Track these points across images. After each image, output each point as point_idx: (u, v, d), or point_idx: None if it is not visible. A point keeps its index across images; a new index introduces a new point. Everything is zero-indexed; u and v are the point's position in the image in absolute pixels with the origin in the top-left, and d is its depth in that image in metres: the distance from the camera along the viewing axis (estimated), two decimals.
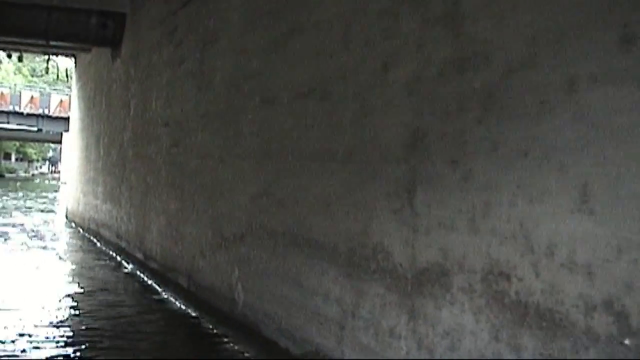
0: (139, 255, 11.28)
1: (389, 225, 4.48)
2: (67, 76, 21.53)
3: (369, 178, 4.74)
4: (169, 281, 9.48)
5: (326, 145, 5.26)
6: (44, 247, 14.90)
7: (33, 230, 18.19)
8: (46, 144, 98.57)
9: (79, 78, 20.10)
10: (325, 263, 5.19)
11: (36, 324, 7.62)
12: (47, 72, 21.54)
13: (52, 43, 14.81)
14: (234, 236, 7.10)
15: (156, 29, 10.99)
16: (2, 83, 54.50)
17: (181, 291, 8.88)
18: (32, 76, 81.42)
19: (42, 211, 26.13)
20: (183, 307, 8.71)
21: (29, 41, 15.34)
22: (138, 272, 11.23)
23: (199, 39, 8.65)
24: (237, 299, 6.89)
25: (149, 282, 10.46)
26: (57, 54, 21.06)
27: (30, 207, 27.66)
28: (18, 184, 58.30)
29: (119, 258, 12.80)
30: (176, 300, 9.03)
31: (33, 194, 39.35)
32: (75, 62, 21.01)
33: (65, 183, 60.93)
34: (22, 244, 15.19)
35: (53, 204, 32.14)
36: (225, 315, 7.21)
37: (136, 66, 12.38)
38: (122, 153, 13.09)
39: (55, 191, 46.15)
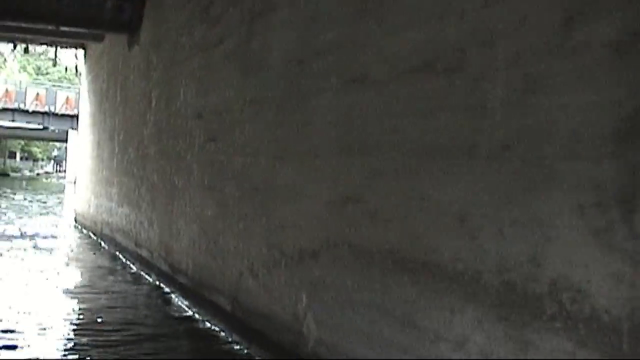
0: (164, 267, 9.84)
1: (584, 252, 3.03)
2: (76, 70, 19.91)
3: (539, 181, 3.28)
4: (204, 301, 8.03)
5: (459, 136, 3.80)
6: (52, 254, 13.47)
7: (40, 235, 16.78)
8: (51, 143, 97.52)
9: (89, 71, 18.66)
10: (459, 299, 3.74)
11: (45, 347, 6.21)
12: (54, 65, 19.94)
13: (63, 29, 13.35)
14: (300, 253, 5.64)
15: (184, 8, 9.54)
16: (7, 80, 53.06)
17: (221, 315, 7.43)
18: (37, 74, 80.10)
19: (48, 213, 24.70)
20: (223, 334, 7.27)
21: (38, 26, 13.88)
22: (163, 287, 9.80)
23: (244, 13, 7.19)
24: (307, 334, 5.42)
25: (177, 299, 9.02)
26: (65, 46, 19.59)
27: (36, 209, 26.22)
28: (23, 183, 56.98)
29: (138, 268, 11.38)
30: (214, 324, 7.58)
31: (38, 195, 37.95)
32: (85, 54, 19.56)
33: (71, 182, 59.85)
34: (28, 250, 13.79)
35: (60, 206, 30.75)
36: (288, 352, 5.75)
37: (158, 52, 10.94)
38: (141, 150, 11.65)
39: (61, 192, 44.76)
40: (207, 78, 8.40)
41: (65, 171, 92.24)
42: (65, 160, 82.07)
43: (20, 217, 21.49)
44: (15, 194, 36.52)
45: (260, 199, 6.55)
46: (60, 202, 33.42)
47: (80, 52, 20.14)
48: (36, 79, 69.15)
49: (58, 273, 11.18)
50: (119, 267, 11.83)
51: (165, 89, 10.41)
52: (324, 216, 5.30)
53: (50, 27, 13.36)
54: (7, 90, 46.34)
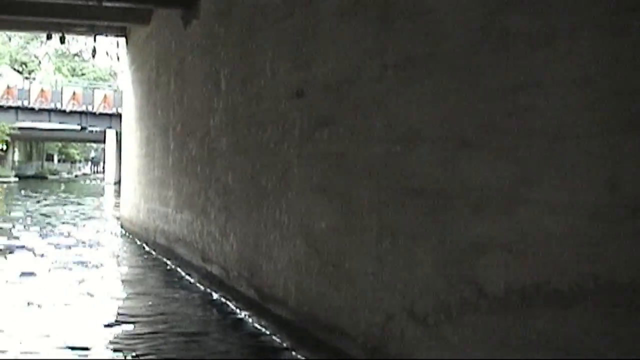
0: (248, 292, 7.70)
1: None
2: (117, 57, 17.88)
3: None
4: (318, 345, 5.86)
5: None
6: (100, 269, 11.44)
7: (83, 244, 14.83)
8: (88, 144, 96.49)
9: (133, 60, 16.61)
10: None
11: None
12: (93, 56, 17.92)
13: (106, 4, 11.29)
14: (522, 293, 3.44)
15: None
16: (42, 81, 51.50)
17: None
18: (73, 75, 78.84)
19: (90, 218, 22.74)
20: None
21: (78, 2, 11.84)
22: (247, 318, 7.66)
23: None
24: None
25: (274, 338, 6.86)
26: (105, 33, 17.56)
27: (77, 214, 24.33)
28: (62, 186, 55.51)
29: (207, 290, 9.29)
30: None
31: (78, 198, 36.19)
32: (127, 42, 17.53)
33: (110, 184, 58.35)
34: (72, 265, 11.78)
35: (101, 209, 28.91)
36: None
37: (228, 23, 8.82)
38: (207, 145, 9.55)
39: (101, 194, 43.08)
40: (311, 42, 6.23)
41: (103, 172, 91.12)
42: (104, 161, 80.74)
43: (62, 224, 19.55)
44: (54, 197, 34.74)
45: (428, 205, 4.35)
46: (100, 206, 31.60)
47: (122, 40, 18.12)
48: (71, 81, 67.66)
49: (110, 296, 9.12)
50: (182, 288, 9.73)
51: (240, 66, 8.29)
52: (587, 235, 3.08)
53: (91, 3, 11.29)
54: (42, 90, 44.55)
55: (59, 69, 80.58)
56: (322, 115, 5.93)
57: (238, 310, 7.98)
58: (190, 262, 10.38)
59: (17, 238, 15.62)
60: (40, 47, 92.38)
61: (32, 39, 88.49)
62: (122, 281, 10.60)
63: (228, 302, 8.43)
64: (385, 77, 4.92)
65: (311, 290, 6.04)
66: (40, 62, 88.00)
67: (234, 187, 8.37)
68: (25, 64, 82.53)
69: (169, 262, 11.76)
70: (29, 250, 13.45)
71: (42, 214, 23.54)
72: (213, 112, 9.28)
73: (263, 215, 7.27)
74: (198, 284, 9.78)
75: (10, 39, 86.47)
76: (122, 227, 17.78)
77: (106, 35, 17.91)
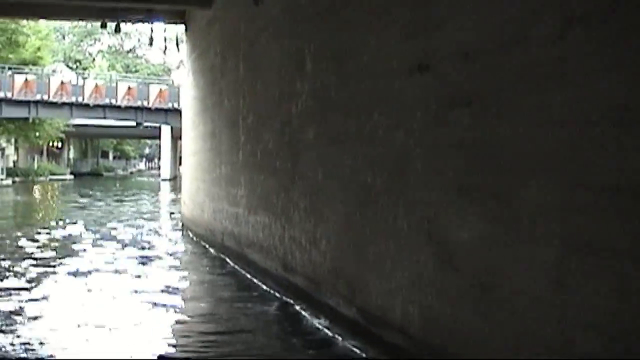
0: (348, 312, 6.40)
1: None
2: (177, 45, 16.72)
3: None
4: None
5: None
6: (165, 276, 10.27)
7: (146, 246, 13.71)
8: (143, 141, 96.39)
9: (194, 47, 15.43)
10: None
11: None
12: (150, 44, 16.81)
13: None
14: None
15: None
16: (96, 76, 50.97)
17: None
18: (126, 72, 78.61)
19: (149, 218, 21.68)
20: None
21: None
22: (349, 345, 6.33)
23: None
24: None
25: None
26: (162, 19, 16.41)
27: (134, 213, 23.34)
28: (117, 183, 55.03)
29: (290, 303, 8.02)
30: None
31: (134, 195, 35.35)
32: (187, 29, 16.36)
33: (166, 180, 57.69)
34: (134, 269, 10.74)
35: (159, 208, 27.95)
36: None
37: None
38: (289, 136, 8.28)
39: (156, 190, 42.29)
40: (438, 0, 4.89)
41: (157, 168, 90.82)
42: (158, 157, 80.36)
43: (121, 224, 18.52)
44: (110, 195, 33.93)
45: None
46: (158, 203, 30.67)
47: (181, 28, 16.96)
48: (125, 77, 67.24)
49: (175, 310, 7.92)
50: (261, 301, 8.47)
51: (331, 41, 6.99)
52: None
53: None
54: (96, 85, 43.79)
55: (112, 66, 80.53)
56: (459, 92, 4.57)
57: (336, 335, 6.65)
58: (268, 270, 9.13)
59: (74, 242, 14.57)
60: (94, 44, 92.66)
61: (86, 36, 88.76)
62: (191, 292, 9.43)
63: (319, 321, 7.12)
64: (567, 36, 3.55)
65: (445, 318, 4.70)
66: (94, 59, 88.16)
67: (326, 185, 7.06)
68: (79, 61, 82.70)
69: (240, 269, 10.54)
70: (86, 253, 12.39)
71: (99, 214, 22.60)
72: (295, 97, 7.98)
73: (369, 220, 5.95)
74: (277, 295, 8.52)
75: (64, 37, 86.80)
76: (183, 227, 16.65)
77: (164, 22, 16.75)
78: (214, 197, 12.74)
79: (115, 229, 17.22)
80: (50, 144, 62.29)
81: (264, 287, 9.15)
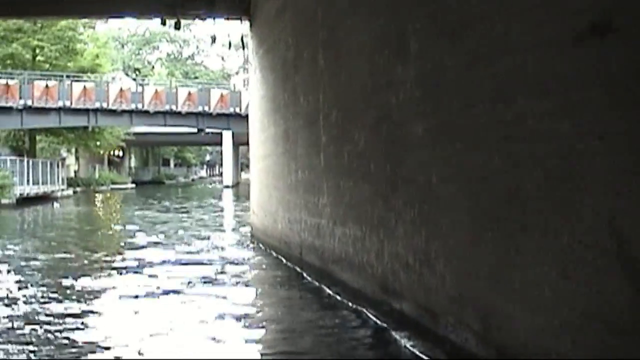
0: (483, 352, 5.01)
1: None
2: (242, 44, 15.53)
3: None
4: None
5: None
6: (236, 292, 9.09)
7: (213, 261, 12.60)
8: (203, 148, 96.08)
9: (260, 43, 14.21)
10: None
11: None
12: (213, 42, 15.71)
13: None
14: None
15: None
16: (156, 82, 50.30)
17: None
18: (186, 79, 78.33)
19: (214, 228, 20.56)
20: None
21: None
22: None
23: None
24: None
25: None
26: (225, 15, 15.26)
27: (199, 222, 22.27)
28: (179, 190, 54.39)
29: (390, 332, 6.70)
30: None
31: (197, 203, 34.39)
32: (251, 23, 15.17)
33: (228, 187, 56.88)
34: (200, 289, 9.59)
35: (223, 216, 26.88)
36: None
37: None
38: (386, 133, 6.97)
39: (219, 198, 41.35)
40: None
41: (219, 175, 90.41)
42: (220, 164, 79.84)
43: (186, 234, 17.41)
44: (173, 204, 32.99)
45: None
46: (222, 211, 29.60)
47: (245, 24, 15.77)
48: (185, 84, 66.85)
49: (253, 332, 6.65)
50: (352, 327, 7.15)
51: (443, 12, 5.62)
52: None
53: None
54: (156, 91, 42.89)
55: (171, 73, 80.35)
56: None
57: None
58: (359, 291, 7.81)
59: (137, 254, 13.47)
60: (153, 52, 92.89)
61: (144, 44, 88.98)
62: (269, 312, 8.21)
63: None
64: None
65: None
66: (153, 67, 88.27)
67: (442, 191, 5.70)
68: (138, 70, 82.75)
69: (324, 287, 9.23)
70: (149, 269, 11.24)
71: (162, 224, 21.56)
72: (395, 86, 6.64)
73: (513, 236, 4.57)
74: (372, 320, 7.20)
75: (122, 46, 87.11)
76: (253, 237, 15.44)
77: (227, 18, 15.57)
78: (289, 206, 11.47)
79: (180, 239, 16.11)
80: (111, 152, 62.10)
81: (354, 309, 7.83)
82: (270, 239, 13.21)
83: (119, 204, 37.01)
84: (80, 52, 43.81)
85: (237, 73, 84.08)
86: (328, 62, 9.11)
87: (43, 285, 9.92)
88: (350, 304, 8.14)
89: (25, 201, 31.17)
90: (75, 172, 56.33)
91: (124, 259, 12.97)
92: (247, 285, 10.26)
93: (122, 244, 15.67)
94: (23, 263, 12.41)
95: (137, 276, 10.81)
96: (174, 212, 27.19)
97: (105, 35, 52.88)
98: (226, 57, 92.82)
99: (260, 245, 14.19)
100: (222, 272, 11.52)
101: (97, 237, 17.72)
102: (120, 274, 11.14)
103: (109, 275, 11.01)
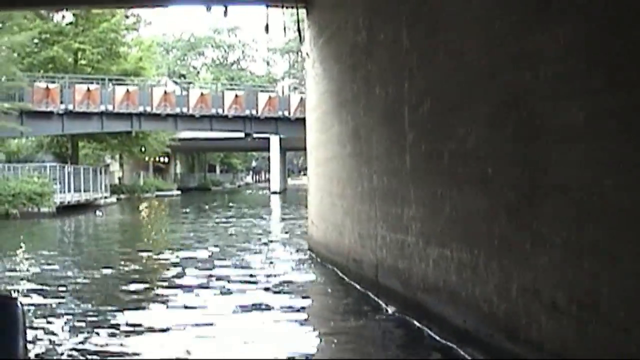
0: None
1: None
2: (299, 35, 13.77)
3: None
4: None
5: None
6: (298, 327, 7.36)
7: (269, 283, 10.90)
8: (249, 153, 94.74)
9: (321, 31, 12.45)
10: None
11: None
12: (267, 31, 13.93)
13: None
14: None
15: None
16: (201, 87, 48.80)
17: None
18: (231, 84, 77.13)
19: (266, 238, 18.86)
20: None
21: None
22: None
23: None
24: None
25: None
26: (278, 2, 13.54)
27: (248, 233, 20.58)
28: (225, 197, 52.87)
29: None
30: None
31: (244, 211, 32.75)
32: (308, 10, 13.42)
33: (276, 193, 55.18)
34: (255, 319, 7.87)
35: (273, 225, 25.12)
36: None
37: None
38: (513, 125, 5.13)
39: (266, 205, 39.67)
40: None
41: (265, 181, 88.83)
42: (268, 170, 78.32)
43: (233, 245, 15.75)
44: (219, 212, 31.32)
45: None
46: (272, 220, 27.88)
47: (301, 12, 14.00)
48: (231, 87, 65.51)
49: None
50: None
51: None
52: None
53: None
54: (202, 95, 41.12)
55: (217, 79, 79.15)
56: None
57: None
58: (469, 332, 5.97)
59: (184, 273, 11.86)
60: (198, 58, 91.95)
61: (189, 50, 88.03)
62: (341, 348, 6.45)
63: None
64: None
65: None
66: (198, 73, 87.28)
67: (625, 202, 3.84)
68: (183, 75, 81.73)
69: (411, 320, 7.42)
70: (197, 297, 9.54)
71: (210, 234, 19.89)
72: (532, 59, 4.80)
73: None
74: None
75: (167, 52, 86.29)
76: (311, 251, 13.67)
77: (280, 5, 13.82)
78: (360, 218, 9.67)
79: (233, 255, 14.43)
80: (156, 159, 60.91)
81: (458, 353, 6.01)
82: (334, 255, 11.43)
83: (164, 212, 35.41)
84: (123, 56, 42.42)
85: (282, 78, 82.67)
86: (417, 41, 7.31)
87: (84, 317, 8.24)
88: (452, 345, 6.32)
89: (65, 209, 29.72)
90: (119, 178, 55.06)
91: (170, 283, 11.29)
92: (309, 314, 8.55)
93: (168, 261, 14.01)
94: (61, 284, 10.79)
95: (184, 303, 9.18)
96: (222, 221, 25.54)
97: (150, 39, 51.48)
98: (272, 62, 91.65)
99: (321, 261, 12.43)
100: (277, 293, 9.84)
101: (139, 252, 16.12)
102: (166, 303, 9.45)
103: (155, 300, 9.39)
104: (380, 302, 8.54)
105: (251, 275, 11.53)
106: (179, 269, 12.39)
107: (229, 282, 10.83)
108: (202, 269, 12.38)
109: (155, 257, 14.62)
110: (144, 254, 14.92)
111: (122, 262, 13.34)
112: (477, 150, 5.82)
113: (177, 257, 14.26)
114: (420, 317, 7.22)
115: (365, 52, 9.26)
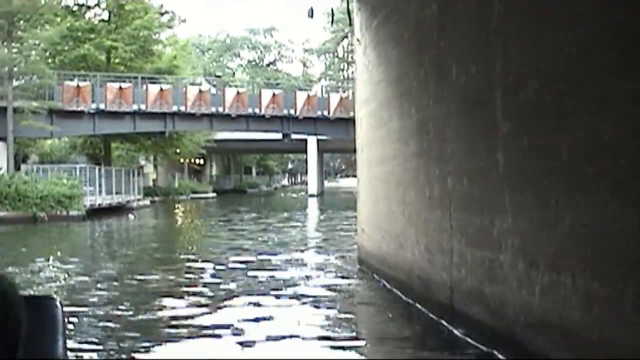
0: None
1: None
2: (348, 14, 12.21)
3: None
4: None
5: None
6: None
7: (314, 297, 9.34)
8: (285, 155, 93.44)
9: (375, 10, 10.90)
10: None
11: None
12: (311, 16, 12.36)
13: None
14: None
15: None
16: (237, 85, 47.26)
17: None
18: (267, 85, 75.92)
19: (306, 246, 17.31)
20: None
21: None
22: None
23: None
24: None
25: None
26: None
27: (287, 237, 19.04)
28: (262, 200, 51.46)
29: None
30: None
31: (282, 214, 31.24)
32: None
33: (313, 196, 53.60)
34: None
35: (313, 230, 23.54)
36: None
37: None
38: None
39: (305, 209, 38.12)
40: None
41: (301, 184, 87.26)
42: (302, 172, 76.94)
43: (273, 252, 14.26)
44: (256, 216, 29.75)
45: None
46: (311, 225, 26.26)
47: None
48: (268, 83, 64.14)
49: None
50: None
51: None
52: None
53: None
54: (238, 94, 39.35)
55: (253, 80, 77.99)
56: None
57: None
58: None
59: (224, 287, 10.42)
60: (233, 59, 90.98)
61: (225, 51, 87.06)
62: None
63: None
64: None
65: None
66: (234, 74, 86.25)
67: None
68: (218, 76, 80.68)
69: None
70: (239, 322, 8.02)
71: (248, 240, 18.35)
72: None
73: None
74: None
75: (203, 53, 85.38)
76: (361, 263, 12.10)
77: None
78: (428, 228, 8.08)
79: (274, 264, 12.93)
80: (192, 160, 59.70)
81: None
82: (391, 270, 9.85)
83: (199, 215, 33.79)
84: (157, 54, 40.97)
85: (319, 80, 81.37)
86: (516, 3, 5.70)
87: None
88: None
89: (96, 212, 28.34)
90: (153, 180, 53.83)
91: (208, 305, 9.78)
92: (368, 347, 6.98)
93: (204, 272, 12.52)
94: (90, 302, 9.39)
95: (213, 322, 7.66)
96: (260, 225, 24.03)
97: (185, 39, 50.17)
98: (309, 63, 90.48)
99: (373, 275, 10.86)
100: (326, 313, 8.34)
101: (174, 260, 14.68)
102: (207, 331, 7.94)
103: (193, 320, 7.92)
104: (457, 333, 6.96)
105: (295, 289, 10.05)
106: (214, 282, 10.95)
107: (269, 291, 9.39)
108: (239, 282, 10.89)
109: (193, 265, 13.19)
110: (178, 264, 13.51)
111: (159, 271, 11.97)
112: (619, 144, 4.20)
113: (214, 268, 12.78)
114: (519, 355, 5.62)
115: (436, 27, 7.67)
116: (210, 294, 10.05)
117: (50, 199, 25.83)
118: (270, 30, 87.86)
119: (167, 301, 9.47)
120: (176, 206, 41.43)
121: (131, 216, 30.90)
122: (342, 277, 11.50)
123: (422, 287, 8.34)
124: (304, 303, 9.19)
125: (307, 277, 11.56)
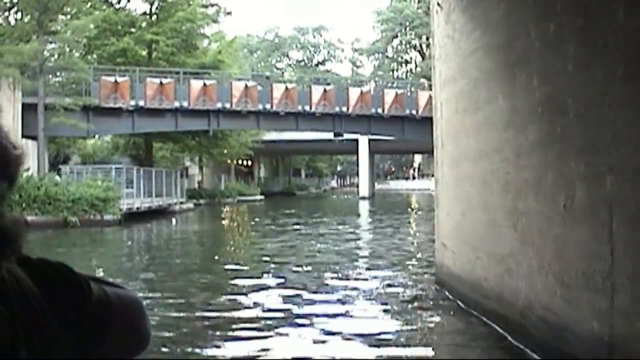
0: None
1: None
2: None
3: None
4: None
5: None
6: None
7: (381, 335, 6.96)
8: (335, 157, 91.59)
9: None
10: None
11: None
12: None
13: None
14: None
15: None
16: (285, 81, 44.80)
17: None
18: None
19: (361, 260, 14.81)
20: None
21: None
22: None
23: None
24: None
25: None
26: None
27: (340, 247, 16.60)
28: (311, 203, 49.10)
29: None
30: None
31: (332, 218, 28.74)
32: None
33: (364, 198, 51.17)
34: None
35: (369, 238, 20.95)
36: None
37: None
38: None
39: (357, 213, 35.57)
40: None
41: (350, 186, 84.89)
42: (353, 174, 74.69)
43: (325, 268, 11.86)
44: (305, 222, 27.24)
45: None
46: (366, 231, 23.72)
47: None
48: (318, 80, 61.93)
49: None
50: None
51: None
52: None
53: None
54: (287, 89, 36.73)
55: (302, 79, 76.16)
56: None
57: None
58: None
59: (268, 315, 8.11)
60: (282, 59, 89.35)
61: (273, 51, 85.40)
62: None
63: None
64: None
65: None
66: (282, 74, 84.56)
67: None
68: (267, 77, 78.98)
69: None
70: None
71: (297, 251, 15.94)
72: None
73: None
74: None
75: (251, 53, 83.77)
76: (441, 286, 9.65)
77: None
78: (563, 251, 5.57)
79: (335, 288, 10.49)
80: (239, 162, 57.67)
81: None
82: (490, 302, 7.38)
83: (247, 222, 30.95)
84: (202, 51, 38.73)
85: (369, 81, 79.48)
86: None
87: None
88: None
89: (133, 216, 26.06)
90: (199, 182, 51.88)
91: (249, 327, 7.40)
92: None
93: (248, 292, 10.19)
94: None
95: None
96: (310, 232, 21.59)
97: (232, 34, 48.19)
98: (358, 62, 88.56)
99: (460, 304, 8.39)
100: None
101: (218, 277, 12.37)
102: None
103: None
104: None
105: (355, 326, 7.68)
106: (257, 310, 8.60)
107: (320, 326, 7.02)
108: (283, 310, 8.52)
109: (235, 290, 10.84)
110: (222, 280, 11.17)
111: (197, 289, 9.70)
112: None
113: (261, 293, 10.39)
114: None
115: (545, 3, 5.16)
116: (253, 333, 7.68)
117: (83, 202, 23.67)
118: (319, 29, 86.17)
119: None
120: (222, 210, 39.13)
121: (173, 220, 28.69)
122: (417, 305, 9.06)
123: (547, 335, 5.85)
124: (371, 345, 6.86)
125: (369, 305, 9.18)
